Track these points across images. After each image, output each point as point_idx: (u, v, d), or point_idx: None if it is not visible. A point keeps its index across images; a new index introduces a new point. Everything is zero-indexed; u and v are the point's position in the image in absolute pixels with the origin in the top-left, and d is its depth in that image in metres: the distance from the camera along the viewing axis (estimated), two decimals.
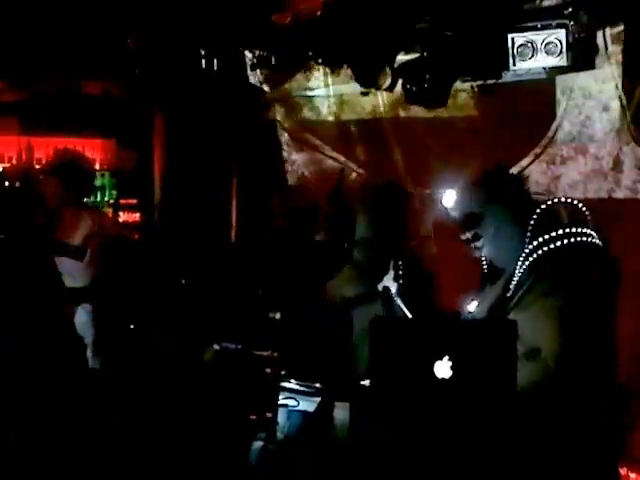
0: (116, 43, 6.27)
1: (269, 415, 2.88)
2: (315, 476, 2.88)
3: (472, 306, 3.04)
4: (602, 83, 5.75)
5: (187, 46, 6.38)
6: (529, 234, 2.77)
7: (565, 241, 2.70)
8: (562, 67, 5.32)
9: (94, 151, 7.73)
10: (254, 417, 2.84)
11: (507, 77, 5.65)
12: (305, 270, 5.08)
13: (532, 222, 2.78)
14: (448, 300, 3.86)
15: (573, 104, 5.91)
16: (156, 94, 6.79)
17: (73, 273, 4.89)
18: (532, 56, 5.28)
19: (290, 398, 3.22)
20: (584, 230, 2.74)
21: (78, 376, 4.23)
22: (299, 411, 3.23)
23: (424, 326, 2.48)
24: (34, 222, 4.94)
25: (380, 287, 3.65)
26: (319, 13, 5.66)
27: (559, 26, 5.19)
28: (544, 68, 5.43)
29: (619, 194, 5.80)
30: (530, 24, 5.26)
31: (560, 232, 2.71)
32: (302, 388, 3.49)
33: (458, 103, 6.21)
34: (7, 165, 7.50)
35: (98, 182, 7.63)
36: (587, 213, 2.81)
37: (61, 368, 4.30)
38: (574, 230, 2.72)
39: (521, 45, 5.28)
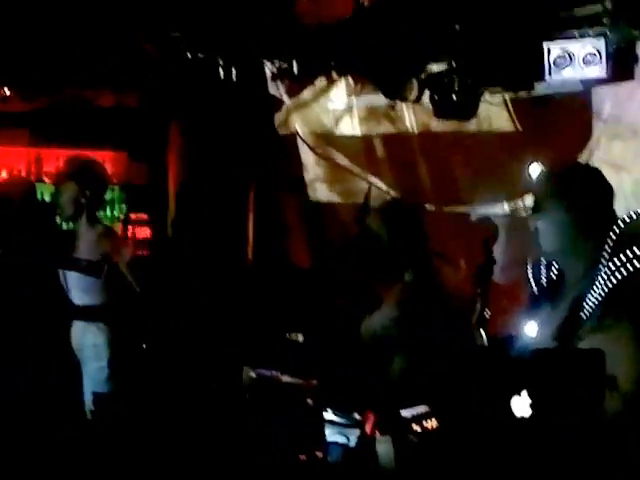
0: (130, 53, 6.07)
1: (319, 454, 2.59)
2: None
3: (531, 330, 2.76)
4: None
5: (204, 55, 6.15)
6: (610, 249, 2.53)
7: None
8: (600, 78, 5.11)
9: (104, 164, 7.49)
10: (303, 457, 2.56)
11: (540, 89, 5.44)
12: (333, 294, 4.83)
13: (613, 236, 2.54)
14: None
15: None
16: (172, 104, 6.59)
17: (86, 289, 4.65)
18: (569, 66, 5.06)
19: (339, 434, 2.94)
20: None
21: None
22: (339, 445, 2.95)
23: (500, 356, 2.22)
24: (40, 236, 4.74)
25: None
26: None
27: (598, 35, 4.98)
28: (580, 80, 5.23)
29: None
30: (567, 33, 5.05)
31: None
32: (339, 419, 3.22)
33: (488, 116, 5.96)
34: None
35: (108, 196, 7.42)
36: None
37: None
38: None
39: (557, 55, 5.06)
